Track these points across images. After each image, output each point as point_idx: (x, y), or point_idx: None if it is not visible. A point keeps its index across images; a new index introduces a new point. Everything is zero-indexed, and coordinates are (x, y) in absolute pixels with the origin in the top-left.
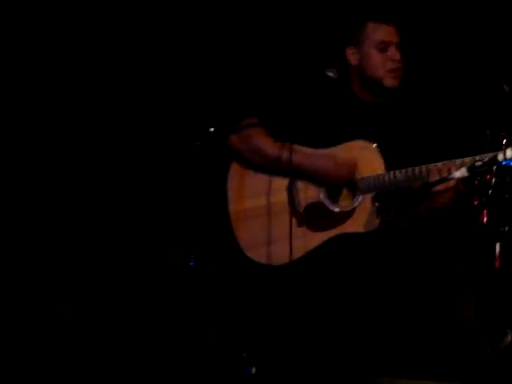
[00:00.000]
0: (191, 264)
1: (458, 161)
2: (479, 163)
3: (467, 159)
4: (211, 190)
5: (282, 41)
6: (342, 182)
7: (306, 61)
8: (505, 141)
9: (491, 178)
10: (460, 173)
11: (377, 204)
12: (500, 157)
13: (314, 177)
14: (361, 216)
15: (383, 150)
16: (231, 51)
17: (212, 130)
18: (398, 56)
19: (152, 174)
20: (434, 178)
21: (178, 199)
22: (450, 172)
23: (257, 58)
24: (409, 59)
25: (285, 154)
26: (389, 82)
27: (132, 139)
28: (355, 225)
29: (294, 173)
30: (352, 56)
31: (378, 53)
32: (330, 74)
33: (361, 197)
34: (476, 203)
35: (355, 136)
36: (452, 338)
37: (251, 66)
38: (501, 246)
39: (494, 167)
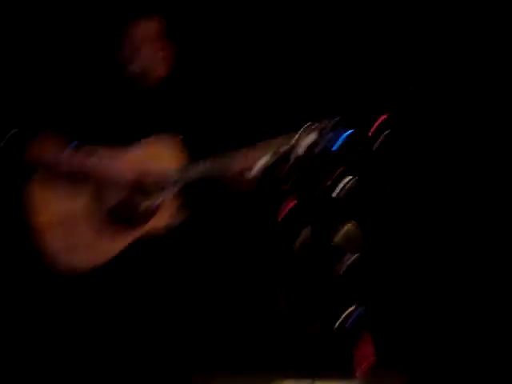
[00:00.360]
0: None
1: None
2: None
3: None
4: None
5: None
6: (146, 185)
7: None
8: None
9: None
10: (264, 160)
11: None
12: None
13: (115, 181)
14: (165, 212)
15: (184, 143)
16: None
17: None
18: (164, 44)
19: None
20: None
21: None
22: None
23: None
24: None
25: (79, 162)
26: (157, 71)
27: None
28: (160, 221)
29: (94, 178)
30: (122, 55)
31: (147, 47)
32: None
33: (162, 193)
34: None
35: (151, 128)
36: (267, 327)
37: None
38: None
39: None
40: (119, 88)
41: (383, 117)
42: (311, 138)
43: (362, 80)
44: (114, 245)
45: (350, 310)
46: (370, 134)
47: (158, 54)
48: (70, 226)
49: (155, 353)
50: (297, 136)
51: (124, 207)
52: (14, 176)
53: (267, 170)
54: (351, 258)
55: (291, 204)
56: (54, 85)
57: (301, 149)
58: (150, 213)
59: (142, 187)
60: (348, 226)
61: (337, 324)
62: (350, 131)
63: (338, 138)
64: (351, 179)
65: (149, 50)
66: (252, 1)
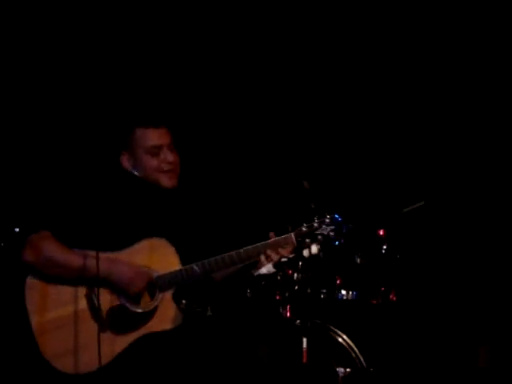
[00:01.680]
0: None
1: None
2: (285, 259)
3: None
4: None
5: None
6: (134, 294)
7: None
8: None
9: (294, 273)
10: (266, 269)
11: (184, 301)
12: (305, 252)
13: (110, 285)
14: (164, 313)
15: (176, 244)
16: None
17: (17, 230)
18: (171, 158)
19: None
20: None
21: None
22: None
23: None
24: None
25: (78, 263)
26: (165, 182)
27: None
28: (160, 323)
29: (90, 281)
30: (126, 162)
31: (151, 158)
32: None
33: (160, 294)
34: (278, 298)
35: (146, 231)
36: None
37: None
38: (307, 341)
39: (300, 263)
40: (121, 190)
41: (380, 231)
42: (314, 249)
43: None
44: (114, 346)
45: None
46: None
47: (161, 167)
48: (69, 329)
49: None
50: (296, 237)
51: (121, 310)
52: (13, 276)
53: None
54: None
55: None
56: (54, 183)
57: (304, 258)
58: (148, 314)
59: (139, 289)
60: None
61: None
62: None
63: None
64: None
65: (151, 162)
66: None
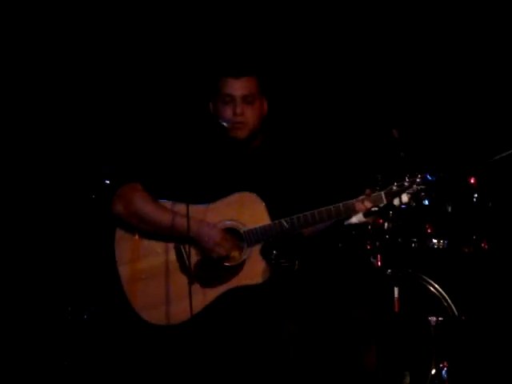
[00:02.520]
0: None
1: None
2: (375, 208)
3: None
4: (102, 251)
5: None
6: (214, 256)
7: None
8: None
9: (384, 223)
10: (356, 219)
11: (275, 252)
12: (396, 202)
13: (200, 237)
14: (252, 267)
15: (266, 198)
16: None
17: (107, 182)
18: (239, 110)
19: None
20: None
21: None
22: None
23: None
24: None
25: (168, 220)
26: (233, 133)
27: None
28: (248, 277)
29: (179, 238)
30: (212, 109)
31: (223, 106)
32: (225, 123)
33: (249, 249)
34: (369, 247)
35: (239, 183)
36: (354, 382)
37: (129, 127)
38: (399, 290)
39: (390, 212)
40: (210, 140)
41: (471, 179)
42: (404, 198)
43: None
44: (203, 298)
45: (437, 369)
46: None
47: (234, 118)
48: (158, 280)
49: None
50: (386, 196)
51: (210, 263)
52: (104, 228)
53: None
54: (438, 319)
55: (378, 262)
56: (143, 136)
57: (394, 208)
58: (236, 268)
59: (223, 254)
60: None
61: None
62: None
63: (428, 194)
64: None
65: (224, 111)
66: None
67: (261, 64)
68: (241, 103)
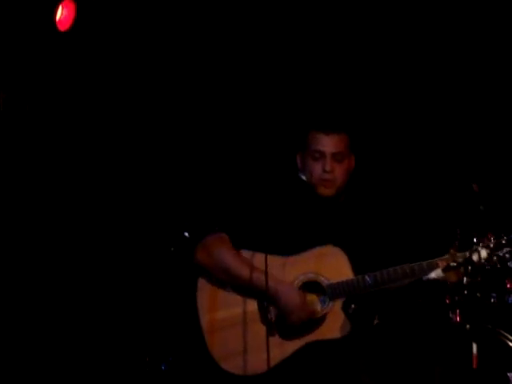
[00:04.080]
0: (163, 368)
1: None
2: (454, 264)
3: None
4: (182, 302)
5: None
6: (292, 324)
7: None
8: (475, 240)
9: (463, 278)
10: (435, 274)
11: (353, 306)
12: (474, 257)
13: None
14: (333, 321)
15: (348, 251)
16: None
17: (186, 234)
18: (329, 167)
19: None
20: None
21: (152, 302)
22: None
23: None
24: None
25: (246, 276)
26: (320, 190)
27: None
28: (328, 331)
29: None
30: (299, 162)
31: (312, 161)
32: (303, 177)
33: (331, 303)
34: (448, 302)
35: (321, 238)
36: None
37: (216, 178)
38: (477, 346)
39: (469, 267)
40: (295, 193)
41: None
42: (483, 253)
43: None
44: (282, 350)
45: None
46: None
47: (323, 175)
48: (238, 330)
49: None
50: (468, 251)
51: (292, 315)
52: (186, 277)
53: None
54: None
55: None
56: (229, 186)
57: (473, 263)
58: (317, 322)
59: (298, 321)
60: None
61: None
62: None
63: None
64: None
65: (313, 167)
66: None
67: (351, 121)
68: (330, 160)
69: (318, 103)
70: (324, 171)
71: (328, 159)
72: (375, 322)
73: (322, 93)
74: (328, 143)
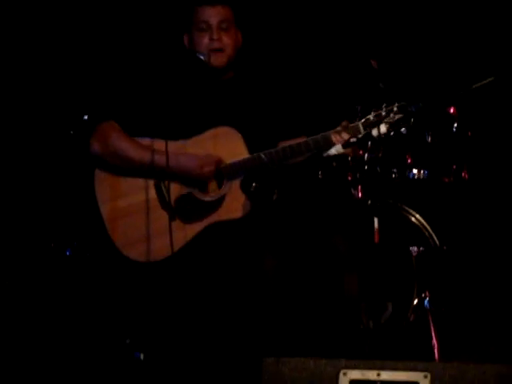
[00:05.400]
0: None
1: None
2: (353, 139)
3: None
4: (79, 190)
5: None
6: (206, 179)
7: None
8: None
9: (364, 154)
10: (335, 149)
11: (254, 184)
12: (374, 132)
13: (179, 176)
14: (232, 202)
15: (242, 131)
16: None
17: (85, 117)
18: (216, 35)
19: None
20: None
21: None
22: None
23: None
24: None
25: (146, 157)
26: (212, 60)
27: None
28: (229, 212)
29: (159, 174)
30: (186, 42)
31: (199, 34)
32: (202, 57)
33: (228, 183)
34: (350, 178)
35: (212, 119)
36: (335, 313)
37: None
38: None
39: (369, 142)
40: (185, 74)
41: (450, 108)
42: (382, 128)
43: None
44: (185, 234)
45: (419, 299)
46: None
47: (211, 44)
48: (139, 217)
49: (224, 335)
50: (364, 126)
51: (190, 198)
52: (82, 165)
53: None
54: (419, 249)
55: (359, 193)
56: (120, 71)
57: (373, 138)
58: (217, 203)
59: (207, 175)
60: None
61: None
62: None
63: (407, 122)
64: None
65: (201, 39)
66: None
67: None
68: (217, 29)
69: None
70: (212, 39)
71: (214, 28)
72: (274, 197)
73: None
74: (213, 13)
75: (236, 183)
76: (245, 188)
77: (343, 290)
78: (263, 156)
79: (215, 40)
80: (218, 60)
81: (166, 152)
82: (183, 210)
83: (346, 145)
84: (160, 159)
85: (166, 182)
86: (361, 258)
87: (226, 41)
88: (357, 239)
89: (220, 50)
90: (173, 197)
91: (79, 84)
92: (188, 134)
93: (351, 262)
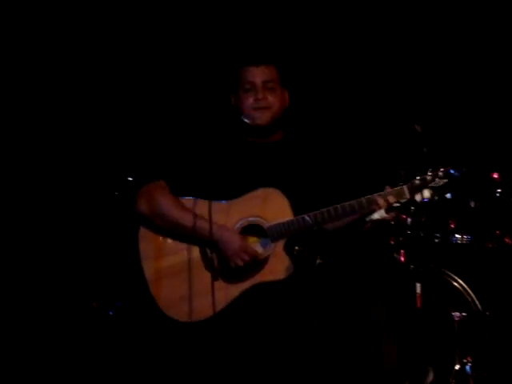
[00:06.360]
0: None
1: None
2: (397, 204)
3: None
4: (124, 249)
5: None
6: (234, 266)
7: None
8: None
9: (407, 218)
10: (378, 214)
11: (296, 248)
12: (417, 197)
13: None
14: (275, 263)
15: (288, 193)
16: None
17: (130, 179)
18: (260, 95)
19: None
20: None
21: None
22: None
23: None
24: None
25: (190, 223)
26: (254, 120)
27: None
28: (272, 273)
29: (201, 240)
30: (234, 102)
31: (244, 94)
32: (246, 120)
33: (273, 244)
34: (392, 243)
35: (258, 181)
36: (375, 381)
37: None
38: (421, 286)
39: (412, 207)
40: (232, 135)
41: (494, 174)
42: (426, 193)
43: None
44: (227, 294)
45: (461, 364)
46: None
47: (256, 104)
48: (182, 276)
49: None
50: (409, 190)
51: (234, 258)
52: (127, 225)
53: (383, 221)
54: (462, 314)
55: (401, 257)
56: (166, 134)
57: (417, 203)
58: (260, 264)
59: (241, 263)
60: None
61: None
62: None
63: (451, 188)
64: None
65: (246, 99)
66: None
67: (280, 55)
68: (262, 89)
69: (246, 41)
70: (256, 99)
71: (259, 88)
72: (318, 262)
73: (251, 29)
74: (258, 73)
75: (280, 245)
76: (288, 250)
77: (382, 357)
78: (307, 218)
79: (260, 99)
80: (261, 118)
81: (210, 221)
82: (226, 271)
83: (389, 209)
84: (202, 228)
85: (210, 242)
86: (402, 324)
87: (271, 100)
88: (398, 306)
89: (264, 109)
90: (216, 256)
91: (126, 144)
92: (233, 196)
93: (391, 333)
